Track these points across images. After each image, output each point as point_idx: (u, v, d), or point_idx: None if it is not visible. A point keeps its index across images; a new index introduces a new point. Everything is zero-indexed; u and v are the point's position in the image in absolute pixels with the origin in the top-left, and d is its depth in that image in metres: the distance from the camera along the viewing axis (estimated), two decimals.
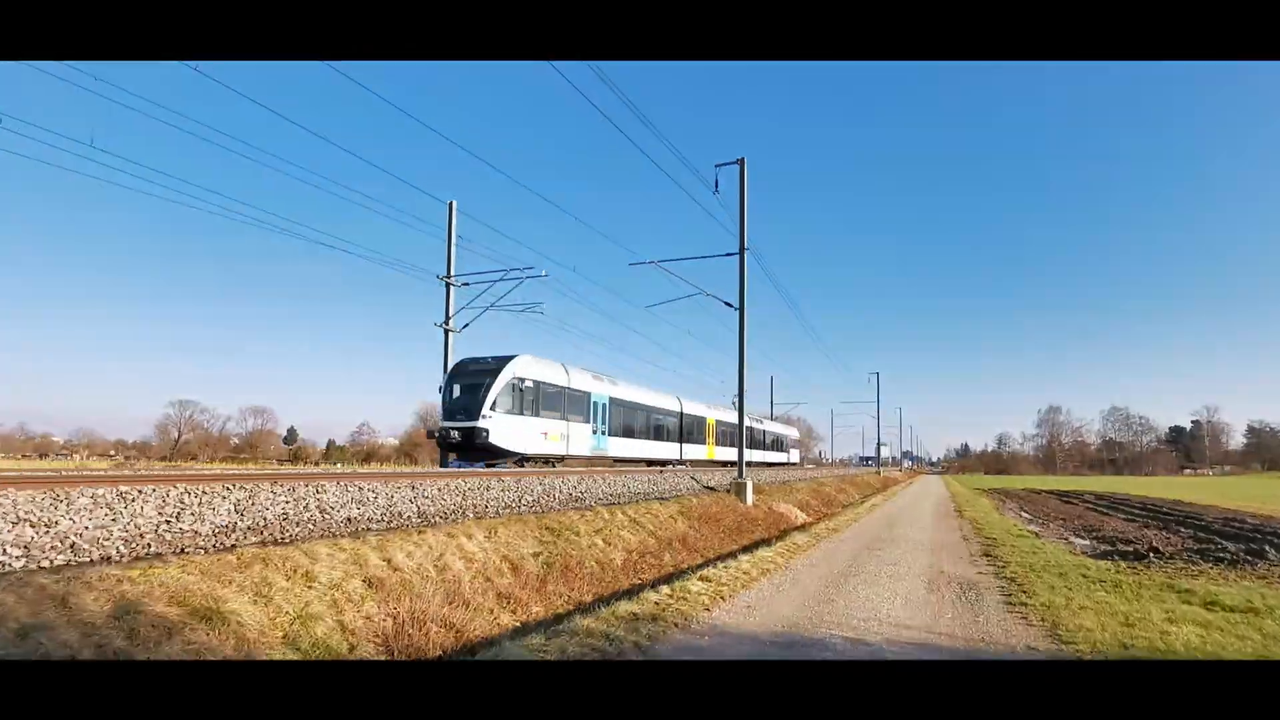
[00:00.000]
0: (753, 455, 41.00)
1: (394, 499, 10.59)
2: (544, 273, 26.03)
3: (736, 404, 23.80)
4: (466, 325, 27.02)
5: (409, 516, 10.46)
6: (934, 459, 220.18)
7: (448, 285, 26.98)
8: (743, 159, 24.84)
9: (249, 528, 8.10)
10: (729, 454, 39.56)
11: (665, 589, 8.00)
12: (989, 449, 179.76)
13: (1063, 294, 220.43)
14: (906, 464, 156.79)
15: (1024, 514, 32.06)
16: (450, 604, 8.02)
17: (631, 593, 9.21)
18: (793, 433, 62.68)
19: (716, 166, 24.71)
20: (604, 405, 26.39)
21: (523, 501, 13.54)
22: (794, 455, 60.06)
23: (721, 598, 7.97)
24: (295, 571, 6.93)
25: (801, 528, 19.79)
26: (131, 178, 41.72)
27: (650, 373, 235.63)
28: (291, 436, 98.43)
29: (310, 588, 6.82)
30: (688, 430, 34.79)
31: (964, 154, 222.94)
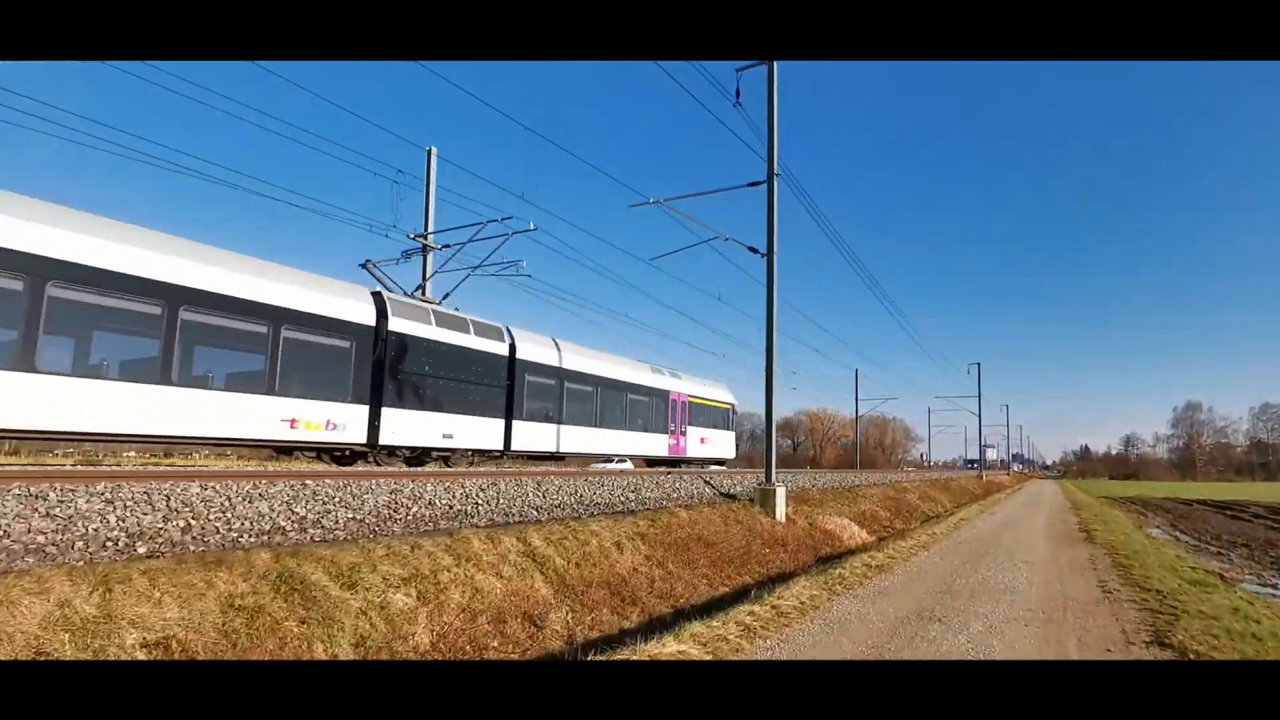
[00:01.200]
0: (600, 442, 22.56)
1: None
2: (531, 224, 21.00)
3: (765, 381, 17.46)
4: (447, 295, 22.47)
5: None
6: (1047, 463, 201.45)
7: (424, 247, 22.39)
8: (772, 59, 18.86)
9: None
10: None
11: None
12: (1113, 451, 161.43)
13: (1202, 281, 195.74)
14: (1016, 467, 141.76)
15: (1179, 534, 23.86)
16: None
17: None
18: (708, 395, 29.18)
19: (738, 71, 19.07)
20: None
21: (323, 523, 8.22)
22: (717, 445, 29.30)
23: None
24: None
25: (846, 554, 13.58)
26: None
27: (666, 348, 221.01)
28: None
29: None
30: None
31: (1088, 130, 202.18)
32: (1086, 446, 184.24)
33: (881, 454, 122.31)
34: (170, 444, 15.29)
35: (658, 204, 17.71)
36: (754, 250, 17.32)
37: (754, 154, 19.25)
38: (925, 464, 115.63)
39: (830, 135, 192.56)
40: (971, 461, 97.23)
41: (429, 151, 22.53)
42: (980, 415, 74.06)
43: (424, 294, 21.53)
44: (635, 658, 5.12)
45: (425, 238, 22.28)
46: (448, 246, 22.21)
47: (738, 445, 34.25)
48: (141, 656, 4.84)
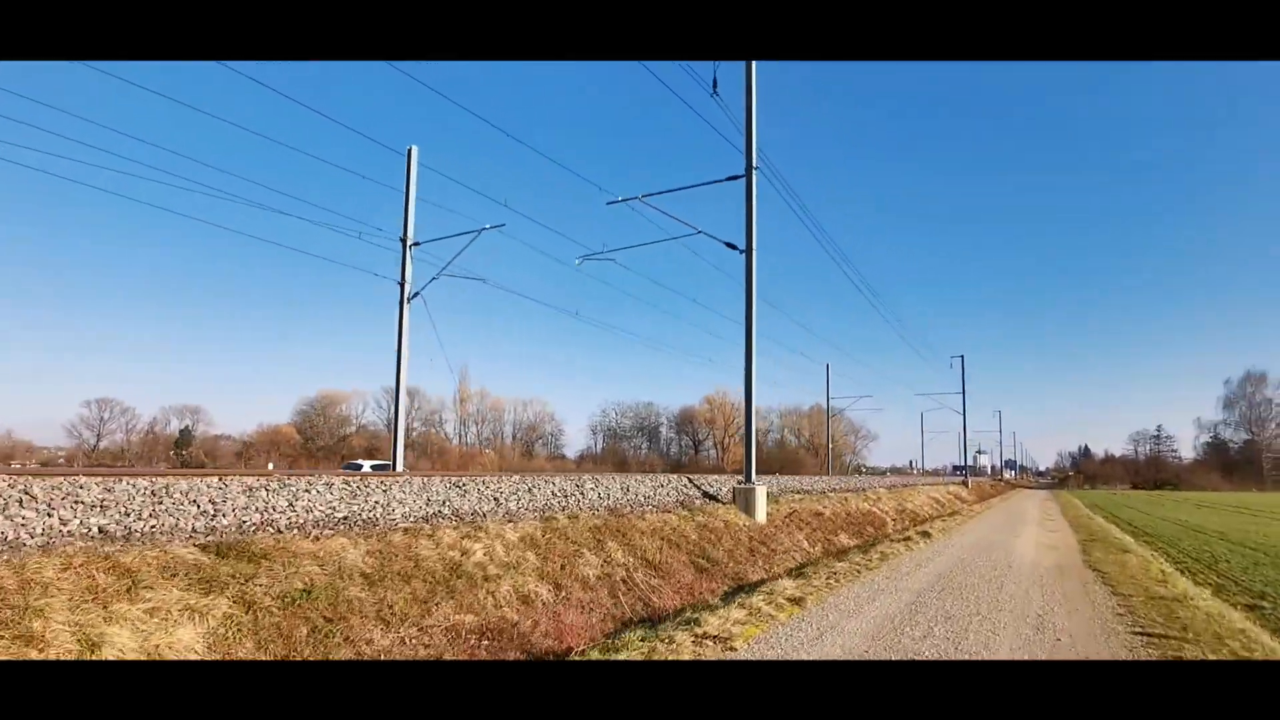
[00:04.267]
0: None
1: None
2: (491, 224, 19.78)
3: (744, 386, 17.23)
4: (416, 294, 21.11)
5: None
6: (1041, 468, 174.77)
7: (404, 244, 21.13)
8: (750, 59, 18.22)
9: None
10: None
11: None
12: (1119, 453, 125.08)
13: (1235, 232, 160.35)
14: (1009, 474, 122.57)
15: None
16: None
17: None
18: None
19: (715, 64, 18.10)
20: None
21: None
22: None
23: None
24: None
25: None
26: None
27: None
28: (185, 439, 74.41)
29: None
30: None
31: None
32: (1086, 448, 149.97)
33: (813, 455, 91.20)
34: None
35: (636, 201, 17.13)
36: (732, 246, 17.33)
37: (732, 147, 19.02)
38: (910, 470, 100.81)
39: (810, 113, 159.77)
40: (959, 468, 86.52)
41: (409, 151, 21.64)
42: (965, 413, 63.25)
43: (402, 292, 21.03)
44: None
45: (405, 239, 21.32)
46: (416, 244, 21.42)
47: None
48: None
